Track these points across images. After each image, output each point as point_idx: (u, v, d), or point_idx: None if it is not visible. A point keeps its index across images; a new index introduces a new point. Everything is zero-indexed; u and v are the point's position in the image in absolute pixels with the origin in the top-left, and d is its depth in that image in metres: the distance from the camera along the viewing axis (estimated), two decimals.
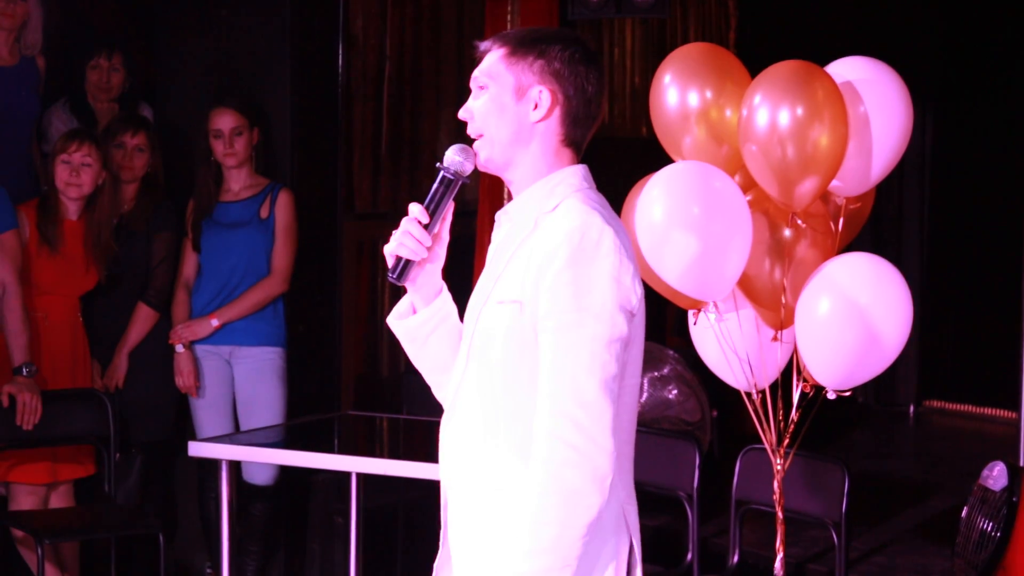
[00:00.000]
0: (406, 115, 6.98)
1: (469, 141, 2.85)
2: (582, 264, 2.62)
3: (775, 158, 4.06)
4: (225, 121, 5.82)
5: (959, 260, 8.93)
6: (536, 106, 2.76)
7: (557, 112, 2.77)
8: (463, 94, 2.88)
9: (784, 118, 4.04)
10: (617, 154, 8.04)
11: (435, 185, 2.83)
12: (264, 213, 5.86)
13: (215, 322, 5.78)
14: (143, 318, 5.78)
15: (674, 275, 4.13)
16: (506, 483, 2.71)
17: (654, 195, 4.10)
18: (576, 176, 2.78)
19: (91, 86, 6.04)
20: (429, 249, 2.84)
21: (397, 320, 2.93)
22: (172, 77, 6.48)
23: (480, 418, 2.75)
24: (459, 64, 6.98)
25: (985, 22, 8.39)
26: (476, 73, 2.82)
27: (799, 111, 4.03)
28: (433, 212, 2.81)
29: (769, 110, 4.06)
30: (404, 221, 2.81)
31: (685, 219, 4.08)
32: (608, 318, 2.62)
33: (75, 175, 5.46)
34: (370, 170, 6.88)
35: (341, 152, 6.61)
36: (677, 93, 4.23)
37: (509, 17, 6.57)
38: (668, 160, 4.55)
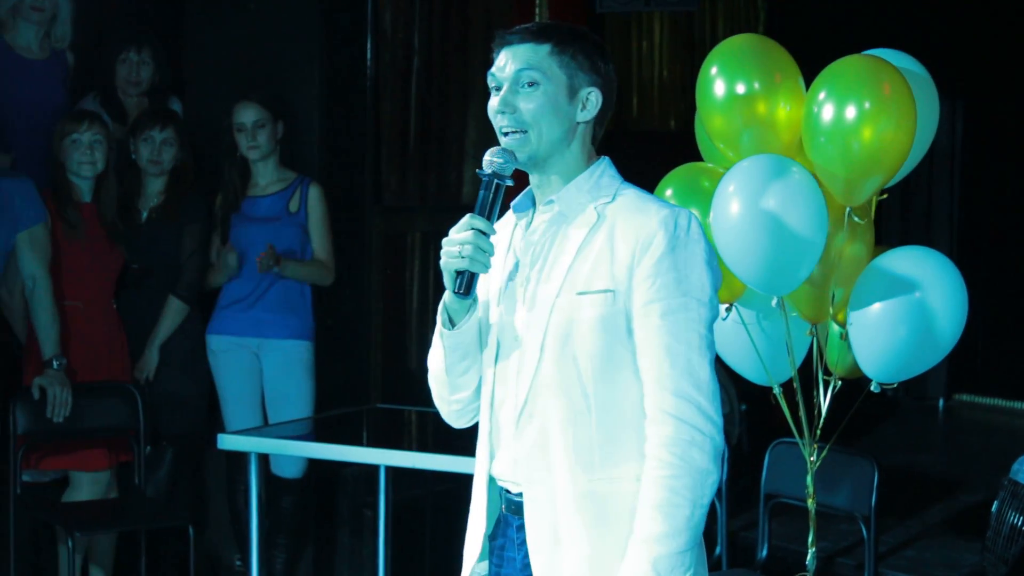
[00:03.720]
0: (434, 108, 6.98)
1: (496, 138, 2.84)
2: (679, 250, 2.71)
3: (844, 153, 4.02)
4: (247, 114, 5.83)
5: (989, 254, 8.89)
6: (584, 107, 2.82)
7: (596, 113, 2.84)
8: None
9: (854, 113, 3.99)
10: (645, 147, 8.03)
11: (485, 192, 2.80)
12: (293, 207, 5.87)
13: (276, 270, 5.76)
14: (174, 311, 5.79)
15: (748, 271, 4.09)
16: (604, 471, 2.72)
17: (730, 190, 4.05)
18: (612, 168, 2.87)
19: (120, 80, 6.05)
20: None
21: (448, 332, 2.87)
22: (201, 71, 6.50)
23: (563, 409, 2.75)
24: (487, 58, 6.96)
25: (1016, 13, 8.35)
26: (521, 66, 2.79)
27: (867, 105, 3.98)
28: (489, 220, 2.80)
29: (839, 105, 4.01)
30: (470, 236, 2.75)
31: (761, 213, 4.02)
32: (708, 300, 2.73)
33: (88, 153, 5.47)
34: (398, 163, 6.88)
35: (369, 145, 6.61)
36: (724, 84, 4.19)
37: (537, 11, 6.56)
38: (696, 153, 4.53)
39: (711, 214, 4.10)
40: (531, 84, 2.79)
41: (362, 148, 6.55)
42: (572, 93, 2.80)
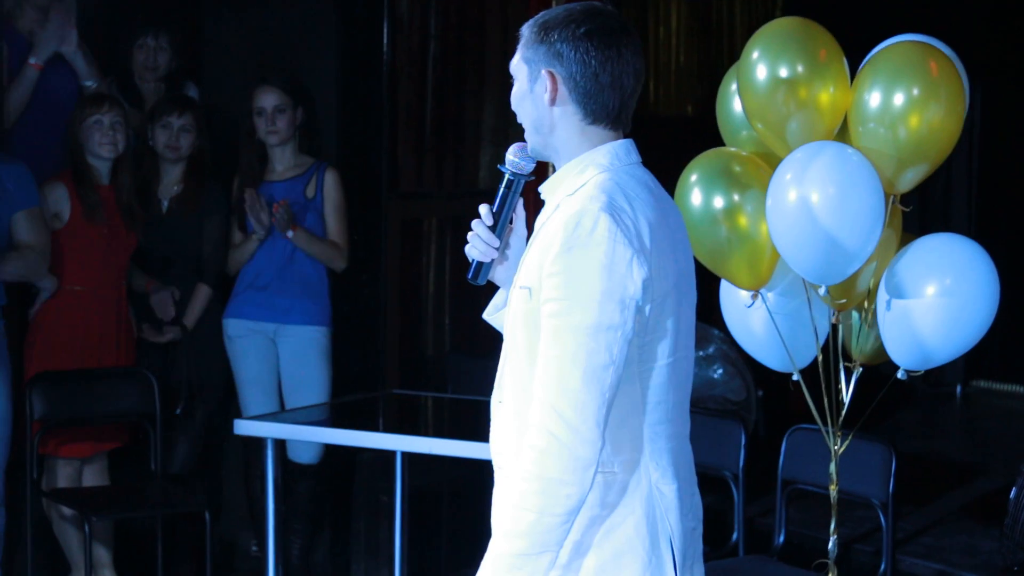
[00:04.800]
0: (451, 94, 6.96)
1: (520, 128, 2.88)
2: (574, 251, 2.60)
3: (894, 139, 4.00)
4: (268, 99, 5.83)
5: (1007, 239, 8.86)
6: (545, 90, 2.74)
7: (565, 93, 2.73)
8: (507, 74, 2.87)
9: (903, 99, 3.98)
10: (662, 133, 8.01)
11: (500, 187, 2.89)
12: (310, 193, 5.87)
13: (290, 233, 5.77)
14: (203, 296, 5.82)
15: (803, 261, 4.06)
16: None
17: (787, 178, 4.03)
18: (607, 155, 2.74)
19: (138, 66, 6.05)
20: (499, 248, 2.89)
21: (492, 314, 2.98)
22: (218, 56, 6.50)
23: (512, 400, 2.77)
24: (504, 44, 6.96)
25: None
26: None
27: (916, 91, 3.97)
28: (498, 213, 2.87)
29: (888, 90, 3.99)
30: (472, 224, 2.87)
31: (819, 203, 3.98)
32: (596, 306, 2.58)
33: (110, 134, 5.47)
34: (414, 150, 6.87)
35: (385, 131, 6.60)
36: (766, 68, 4.13)
37: None
38: (715, 138, 4.51)
39: (767, 202, 4.08)
40: (514, 79, 2.82)
41: (378, 134, 6.54)
42: (533, 80, 2.75)
